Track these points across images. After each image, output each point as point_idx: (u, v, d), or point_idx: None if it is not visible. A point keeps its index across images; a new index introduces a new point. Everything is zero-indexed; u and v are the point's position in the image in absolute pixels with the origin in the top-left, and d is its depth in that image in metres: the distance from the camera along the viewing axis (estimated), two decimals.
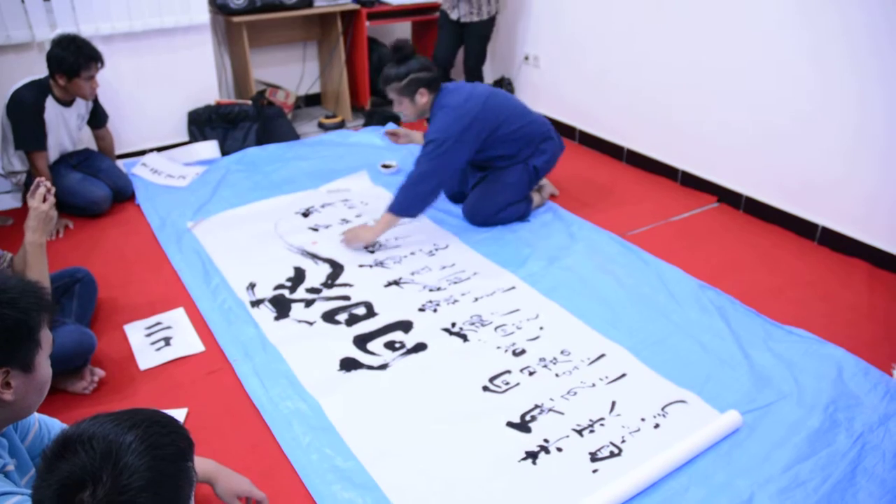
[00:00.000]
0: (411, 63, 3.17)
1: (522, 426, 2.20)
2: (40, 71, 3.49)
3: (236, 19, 4.43)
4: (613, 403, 2.29)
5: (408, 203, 3.16)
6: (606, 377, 2.42)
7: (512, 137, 3.30)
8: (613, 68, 4.24)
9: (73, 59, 3.30)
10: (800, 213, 3.40)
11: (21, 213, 2.65)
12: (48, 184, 2.24)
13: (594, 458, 2.08)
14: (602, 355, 2.52)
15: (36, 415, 1.57)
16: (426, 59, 3.24)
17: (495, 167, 3.42)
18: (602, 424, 2.21)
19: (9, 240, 3.25)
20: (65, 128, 3.56)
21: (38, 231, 2.19)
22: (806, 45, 3.16)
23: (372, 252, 3.22)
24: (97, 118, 3.79)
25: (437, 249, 3.26)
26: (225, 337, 2.65)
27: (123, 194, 3.78)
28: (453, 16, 4.50)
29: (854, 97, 3.05)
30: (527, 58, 4.89)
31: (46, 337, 1.36)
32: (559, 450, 2.11)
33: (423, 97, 3.19)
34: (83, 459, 0.97)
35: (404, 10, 5.03)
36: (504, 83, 5.00)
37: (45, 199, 2.20)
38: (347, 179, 3.96)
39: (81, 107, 3.61)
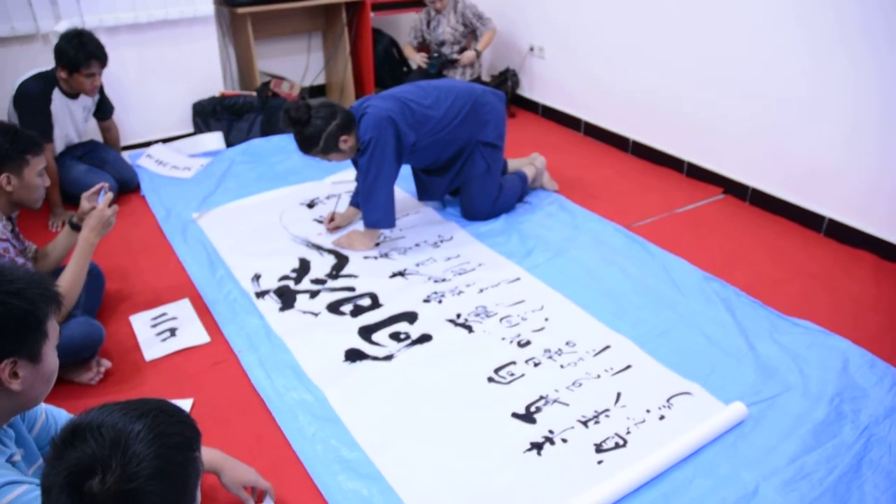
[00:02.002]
0: (315, 122, 2.93)
1: (527, 417, 2.20)
2: (45, 62, 3.49)
3: (241, 10, 4.42)
4: (619, 395, 2.29)
5: (374, 217, 3.10)
6: (612, 368, 2.41)
7: (445, 136, 3.18)
8: (619, 60, 4.22)
9: (74, 54, 3.30)
10: (806, 204, 3.39)
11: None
12: (111, 193, 2.40)
13: (599, 449, 2.08)
14: (607, 347, 2.52)
15: (43, 405, 1.57)
16: (325, 106, 2.98)
17: (456, 170, 3.34)
18: (607, 416, 2.21)
19: (34, 232, 3.27)
20: (71, 120, 3.56)
21: (95, 231, 2.33)
22: (805, 35, 3.15)
23: (377, 244, 3.22)
24: (103, 110, 3.80)
25: (442, 241, 3.26)
26: (230, 328, 2.66)
27: (129, 186, 3.79)
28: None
29: (851, 87, 3.04)
30: (532, 49, 4.87)
31: (53, 328, 1.37)
32: (564, 441, 2.11)
33: (346, 142, 2.99)
34: (92, 447, 0.98)
35: (409, 1, 5.01)
36: (509, 74, 4.98)
37: (109, 205, 2.35)
38: (353, 170, 3.95)
39: (87, 99, 3.61)
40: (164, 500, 0.99)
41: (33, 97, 3.37)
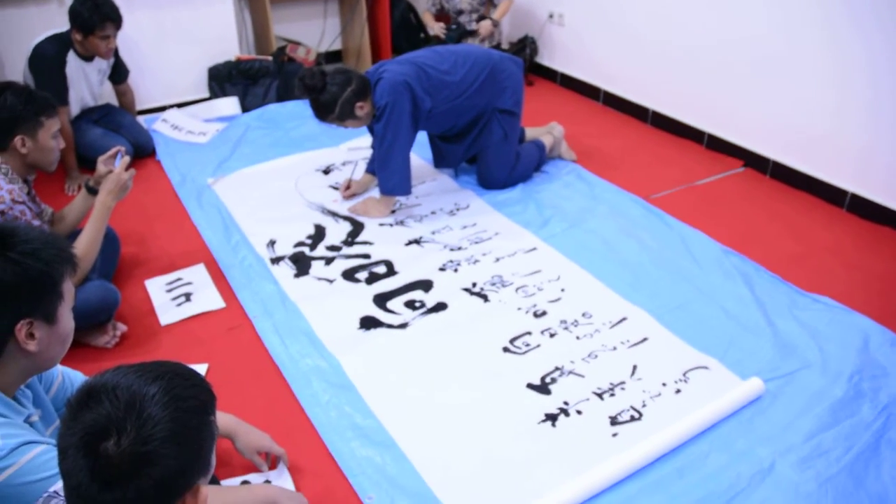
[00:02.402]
0: (330, 89, 2.88)
1: (542, 388, 2.19)
2: (60, 25, 3.46)
3: None
4: (634, 367, 2.28)
5: (390, 184, 3.08)
6: (628, 341, 2.39)
7: (462, 103, 3.14)
8: (640, 28, 4.14)
9: (89, 16, 3.27)
10: (828, 178, 3.33)
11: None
12: (127, 157, 2.41)
13: (614, 421, 2.07)
14: (624, 318, 2.50)
15: (59, 367, 1.58)
16: (340, 72, 2.93)
17: (473, 137, 3.30)
18: (623, 388, 2.19)
19: (50, 196, 3.27)
20: (86, 82, 3.54)
21: (112, 195, 2.34)
22: (833, 8, 3.07)
23: (393, 211, 3.20)
24: (118, 73, 3.77)
25: (458, 209, 3.23)
26: (245, 293, 2.66)
27: (144, 150, 3.77)
28: None
29: (883, 61, 2.96)
30: (551, 15, 4.78)
31: (69, 289, 1.37)
32: (579, 412, 2.10)
33: (362, 108, 2.95)
34: (107, 409, 0.97)
35: None
36: (527, 42, 4.90)
37: (126, 169, 2.35)
38: (368, 137, 3.92)
39: (103, 62, 3.58)
40: (179, 463, 0.99)
41: (48, 59, 3.34)
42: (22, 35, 3.67)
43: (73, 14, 3.29)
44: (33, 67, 3.37)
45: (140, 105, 4.18)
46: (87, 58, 3.46)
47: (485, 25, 4.59)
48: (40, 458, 1.24)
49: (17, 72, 3.60)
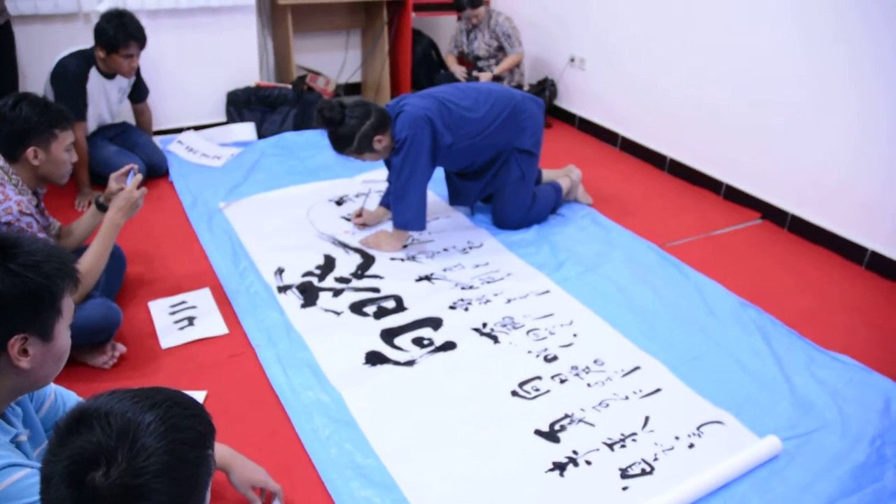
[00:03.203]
0: (349, 122, 2.86)
1: (551, 435, 2.11)
2: (84, 41, 3.48)
3: (282, 2, 4.39)
4: (647, 419, 2.20)
5: (405, 218, 3.04)
6: (640, 391, 2.32)
7: (481, 140, 3.11)
8: (660, 76, 4.13)
9: (114, 34, 3.29)
10: (848, 234, 3.27)
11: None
12: (140, 175, 2.38)
13: (624, 474, 1.99)
14: (637, 367, 2.43)
15: (52, 386, 1.51)
16: (359, 105, 2.91)
17: (491, 176, 3.27)
18: (634, 440, 2.11)
19: (60, 210, 3.24)
20: (105, 100, 3.54)
21: (122, 212, 2.30)
22: (856, 64, 3.05)
23: (405, 246, 3.15)
24: (138, 92, 3.78)
25: (471, 247, 3.18)
26: (249, 321, 2.60)
27: (158, 170, 3.76)
28: None
29: (893, 119, 2.94)
30: (573, 59, 4.79)
31: (68, 305, 1.30)
32: (588, 463, 2.02)
33: (381, 142, 2.93)
34: (98, 436, 0.91)
35: (451, 4, 4.94)
36: (547, 84, 4.90)
37: (138, 187, 2.33)
38: (384, 170, 3.89)
39: (123, 80, 3.59)
40: (172, 499, 0.92)
41: (71, 74, 3.35)
42: (46, 49, 3.69)
43: (99, 31, 3.30)
44: (55, 82, 3.38)
45: (157, 125, 4.18)
46: (109, 75, 3.47)
47: (483, 77, 4.61)
48: (24, 482, 1.17)
49: (39, 85, 3.60)
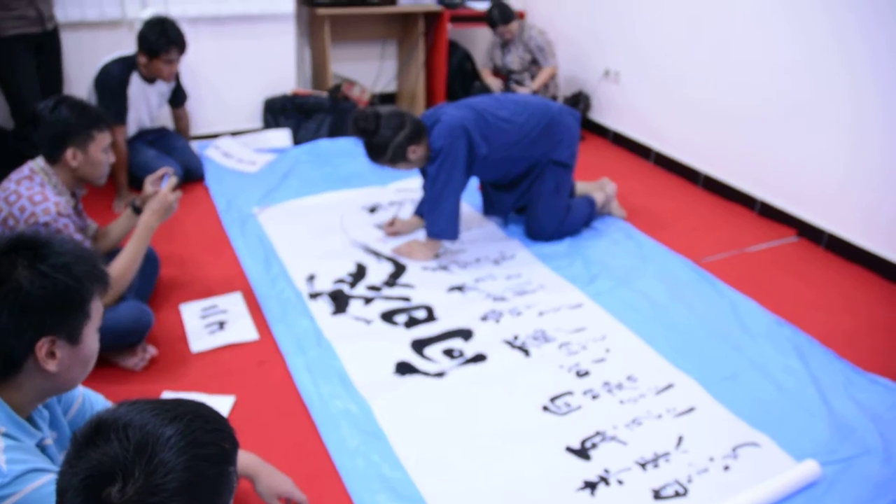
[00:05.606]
0: (383, 132, 2.86)
1: (582, 453, 2.07)
2: (128, 47, 3.57)
3: (321, 11, 4.42)
4: (680, 438, 2.15)
5: (438, 227, 3.02)
6: (674, 409, 2.27)
7: (517, 152, 3.09)
8: (695, 91, 4.07)
9: (155, 39, 3.36)
10: (886, 254, 3.18)
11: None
12: (174, 178, 2.41)
13: (657, 495, 1.94)
14: (670, 385, 2.38)
15: (80, 388, 1.51)
16: (394, 115, 2.91)
17: (525, 187, 3.25)
18: (667, 460, 2.06)
19: (99, 212, 3.28)
20: (146, 104, 3.60)
21: (157, 215, 2.32)
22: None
23: (437, 255, 3.13)
24: (177, 97, 3.83)
25: (503, 258, 3.15)
26: (280, 327, 2.60)
27: (194, 175, 3.79)
28: None
29: None
30: (607, 72, 4.75)
31: (97, 309, 1.29)
32: (620, 482, 1.98)
33: (415, 152, 2.92)
34: (115, 449, 0.87)
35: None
36: (581, 97, 4.87)
37: (173, 191, 2.34)
38: (418, 178, 3.89)
39: (163, 85, 3.65)
40: None
41: (113, 79, 3.43)
42: (90, 55, 3.76)
43: (141, 38, 3.38)
44: (98, 86, 3.45)
45: (195, 130, 4.23)
46: (150, 80, 3.53)
47: (521, 91, 4.61)
48: (46, 488, 1.15)
49: (83, 90, 3.66)
